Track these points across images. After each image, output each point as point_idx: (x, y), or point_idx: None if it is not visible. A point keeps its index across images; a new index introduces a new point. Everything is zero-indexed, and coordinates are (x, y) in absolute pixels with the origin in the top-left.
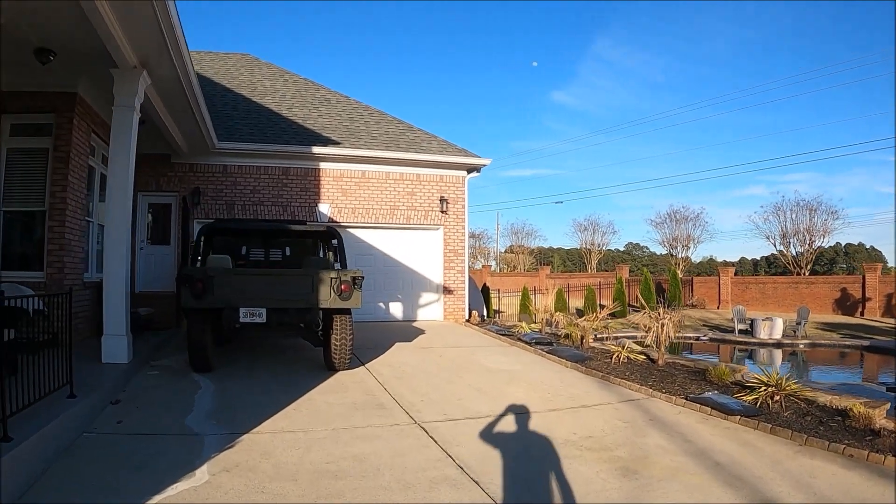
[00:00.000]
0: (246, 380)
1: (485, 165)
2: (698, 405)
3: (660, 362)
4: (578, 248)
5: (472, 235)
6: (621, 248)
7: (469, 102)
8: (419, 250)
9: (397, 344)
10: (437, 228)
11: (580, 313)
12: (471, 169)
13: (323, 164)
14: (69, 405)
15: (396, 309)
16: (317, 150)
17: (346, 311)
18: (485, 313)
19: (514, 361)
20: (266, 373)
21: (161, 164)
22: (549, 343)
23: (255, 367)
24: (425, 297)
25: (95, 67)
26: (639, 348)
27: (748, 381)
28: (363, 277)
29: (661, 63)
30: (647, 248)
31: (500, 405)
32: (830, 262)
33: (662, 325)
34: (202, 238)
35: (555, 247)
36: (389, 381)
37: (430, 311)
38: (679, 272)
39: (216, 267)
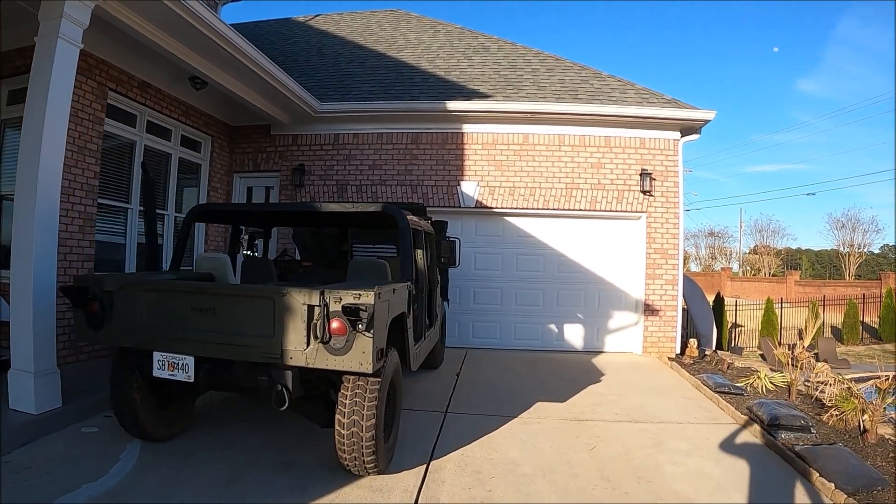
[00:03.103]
0: (188, 470)
1: (708, 121)
2: None
3: None
4: (832, 248)
5: (710, 233)
6: (875, 251)
7: (706, 93)
8: (609, 249)
9: (538, 405)
10: (638, 217)
11: (837, 335)
12: (686, 129)
13: (467, 127)
14: None
15: (574, 334)
16: (455, 105)
17: (373, 373)
18: (714, 338)
19: (728, 478)
20: (243, 458)
21: (260, 138)
22: (802, 427)
23: (244, 439)
24: (617, 319)
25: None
26: None
27: None
28: (373, 306)
29: None
30: None
31: None
32: None
33: None
34: (189, 226)
35: (803, 247)
36: None
37: (623, 339)
38: None
39: (117, 276)
